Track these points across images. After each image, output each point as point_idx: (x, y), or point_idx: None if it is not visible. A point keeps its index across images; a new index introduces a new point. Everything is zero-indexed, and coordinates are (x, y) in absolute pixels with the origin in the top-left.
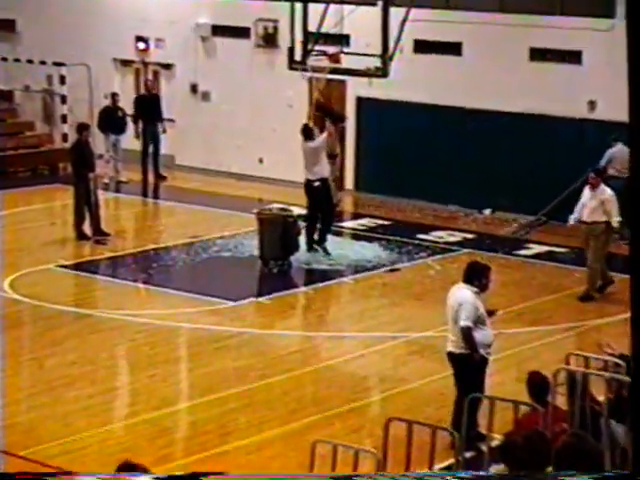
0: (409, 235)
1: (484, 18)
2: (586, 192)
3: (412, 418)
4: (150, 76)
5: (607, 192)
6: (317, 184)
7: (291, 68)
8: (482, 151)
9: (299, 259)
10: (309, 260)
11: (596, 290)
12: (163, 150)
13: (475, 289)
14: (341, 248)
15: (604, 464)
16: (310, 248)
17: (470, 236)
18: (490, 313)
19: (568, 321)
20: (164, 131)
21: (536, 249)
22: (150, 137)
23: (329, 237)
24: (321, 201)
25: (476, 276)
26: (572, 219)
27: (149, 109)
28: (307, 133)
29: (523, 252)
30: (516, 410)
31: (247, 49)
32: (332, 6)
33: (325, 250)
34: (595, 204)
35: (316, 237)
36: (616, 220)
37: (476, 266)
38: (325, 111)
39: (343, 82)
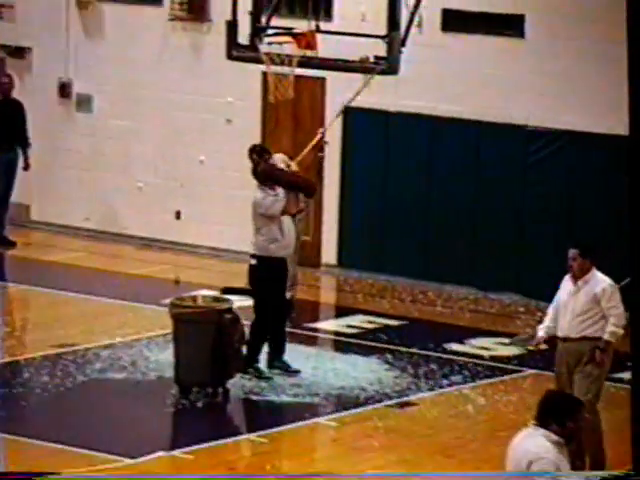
0: (431, 344)
1: None
2: (565, 283)
3: None
4: None
5: (605, 282)
6: (252, 262)
7: (231, 57)
8: (558, 200)
9: (242, 385)
10: (259, 387)
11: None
12: (12, 197)
13: (556, 437)
14: (315, 366)
15: None
16: (255, 367)
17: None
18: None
19: None
20: (27, 166)
21: None
22: (2, 172)
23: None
24: (255, 291)
25: (557, 415)
26: (541, 331)
27: (5, 124)
28: (261, 177)
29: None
30: None
31: (157, 23)
32: None
33: (285, 369)
34: (583, 305)
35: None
36: (612, 331)
37: (557, 399)
38: (275, 178)
39: (320, 81)
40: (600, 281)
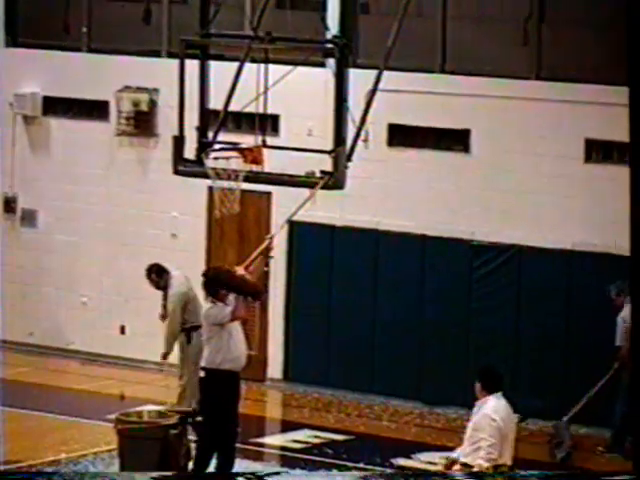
0: (378, 459)
1: (508, 89)
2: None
3: None
4: None
5: (486, 410)
6: (201, 374)
7: (177, 172)
8: (504, 315)
9: None
10: None
11: None
12: None
13: None
14: None
15: None
16: None
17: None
18: None
19: None
20: None
21: None
22: None
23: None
24: (202, 405)
25: None
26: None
27: None
28: (209, 287)
29: None
30: None
31: (103, 138)
32: (250, 67)
33: None
34: (470, 430)
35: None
36: (478, 463)
37: None
38: (223, 282)
39: (266, 196)
40: (485, 408)
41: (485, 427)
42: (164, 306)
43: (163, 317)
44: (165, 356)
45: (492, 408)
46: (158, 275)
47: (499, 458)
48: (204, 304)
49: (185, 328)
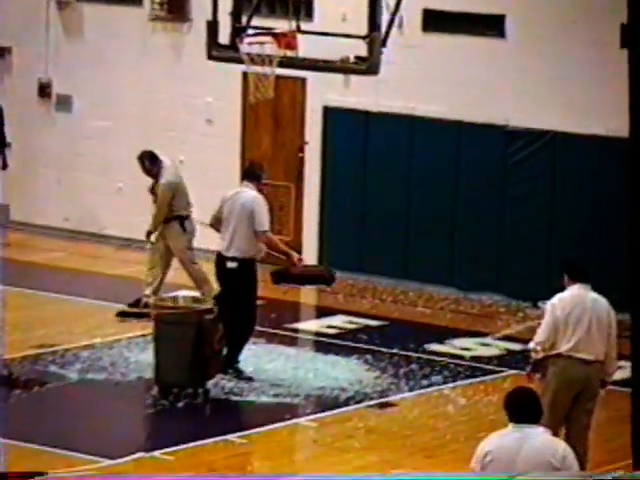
0: (412, 344)
1: None
2: None
3: None
4: None
5: (559, 293)
6: (232, 265)
7: (212, 57)
8: (539, 201)
9: (222, 386)
10: (239, 387)
11: None
12: None
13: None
14: (295, 367)
15: None
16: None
17: (518, 346)
18: None
19: None
20: (4, 165)
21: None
22: None
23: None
24: (236, 295)
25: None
26: None
27: None
28: (254, 176)
29: None
30: None
31: (136, 24)
32: None
33: (236, 372)
34: None
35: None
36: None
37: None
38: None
39: (301, 81)
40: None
41: (545, 312)
42: (153, 192)
43: (148, 235)
44: (149, 235)
45: (559, 295)
46: (151, 162)
47: (557, 345)
48: (241, 189)
49: (178, 216)
